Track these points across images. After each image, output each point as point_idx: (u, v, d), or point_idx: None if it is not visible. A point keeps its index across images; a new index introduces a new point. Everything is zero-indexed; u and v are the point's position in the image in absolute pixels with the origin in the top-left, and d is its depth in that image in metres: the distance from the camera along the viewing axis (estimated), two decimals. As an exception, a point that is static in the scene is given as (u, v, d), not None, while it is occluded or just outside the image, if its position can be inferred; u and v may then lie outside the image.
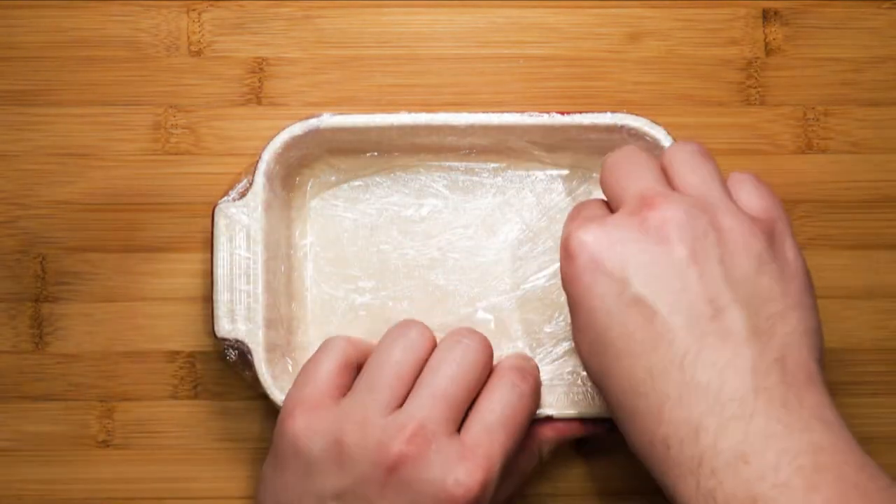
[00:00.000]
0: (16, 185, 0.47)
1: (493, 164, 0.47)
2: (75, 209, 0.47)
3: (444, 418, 0.38)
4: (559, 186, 0.47)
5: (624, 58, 0.48)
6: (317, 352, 0.42)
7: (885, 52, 0.48)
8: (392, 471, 0.37)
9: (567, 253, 0.37)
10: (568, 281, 0.37)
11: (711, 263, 0.35)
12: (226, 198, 0.44)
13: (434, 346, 0.41)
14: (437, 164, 0.47)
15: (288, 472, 0.39)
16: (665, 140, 0.44)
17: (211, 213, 0.44)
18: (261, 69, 0.47)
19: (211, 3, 0.48)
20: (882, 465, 0.33)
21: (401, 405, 0.39)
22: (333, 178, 0.47)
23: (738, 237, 0.36)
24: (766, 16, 0.48)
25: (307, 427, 0.39)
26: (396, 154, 0.46)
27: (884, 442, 0.46)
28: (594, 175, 0.46)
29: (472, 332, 0.41)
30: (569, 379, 0.45)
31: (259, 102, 0.47)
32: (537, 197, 0.47)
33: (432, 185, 0.47)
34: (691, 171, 0.38)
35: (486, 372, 0.41)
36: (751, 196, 0.38)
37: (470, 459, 0.37)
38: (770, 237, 0.37)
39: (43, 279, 0.47)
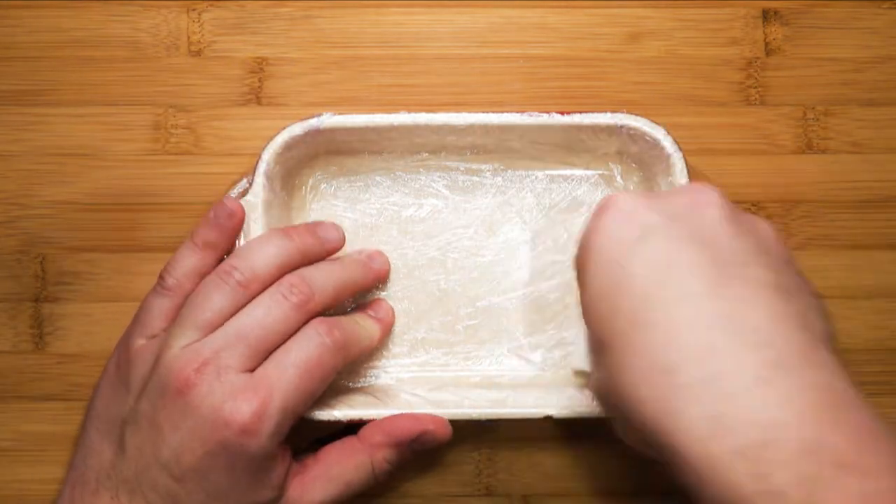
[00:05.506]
0: (16, 185, 0.47)
1: (493, 164, 0.47)
2: (75, 209, 0.47)
3: (240, 355, 0.39)
4: (559, 186, 0.47)
5: (624, 58, 0.48)
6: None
7: (885, 52, 0.48)
8: (179, 394, 0.38)
9: (597, 207, 0.36)
10: (591, 229, 0.36)
11: (745, 236, 0.35)
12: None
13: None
14: (437, 164, 0.47)
15: (121, 391, 0.41)
16: (665, 140, 0.44)
17: (211, 213, 0.44)
18: (261, 69, 0.47)
19: (211, 3, 0.48)
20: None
21: None
22: (333, 179, 0.47)
23: (771, 239, 0.36)
24: (766, 16, 0.48)
25: (138, 352, 0.41)
26: (396, 154, 0.46)
27: (884, 442, 0.46)
28: (595, 175, 0.46)
29: (301, 286, 0.41)
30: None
31: (259, 102, 0.47)
32: (537, 197, 0.47)
33: (432, 185, 0.47)
34: None
35: (298, 325, 0.41)
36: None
37: (251, 390, 0.38)
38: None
39: (43, 279, 0.47)
